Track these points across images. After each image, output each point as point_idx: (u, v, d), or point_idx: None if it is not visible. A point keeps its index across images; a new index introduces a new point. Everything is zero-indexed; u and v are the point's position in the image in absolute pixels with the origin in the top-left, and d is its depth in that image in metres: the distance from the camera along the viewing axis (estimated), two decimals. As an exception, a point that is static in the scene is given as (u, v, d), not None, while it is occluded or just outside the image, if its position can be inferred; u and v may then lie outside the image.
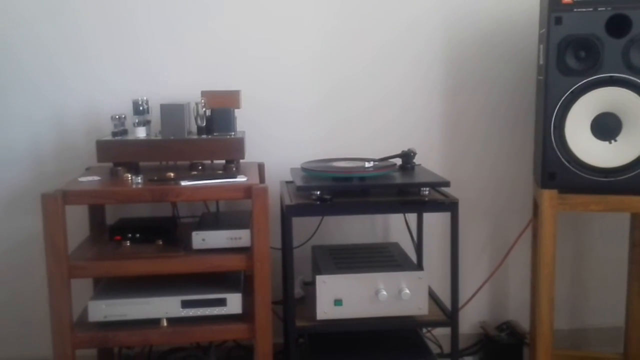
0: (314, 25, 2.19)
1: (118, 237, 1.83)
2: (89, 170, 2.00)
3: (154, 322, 1.73)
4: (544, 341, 1.97)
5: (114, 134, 1.90)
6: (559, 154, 1.87)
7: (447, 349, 2.19)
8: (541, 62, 1.93)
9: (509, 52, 2.26)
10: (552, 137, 1.87)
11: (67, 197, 1.65)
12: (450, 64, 2.25)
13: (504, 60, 2.26)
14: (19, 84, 2.10)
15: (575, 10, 1.82)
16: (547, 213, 1.91)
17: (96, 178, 1.82)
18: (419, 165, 2.08)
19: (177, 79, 2.15)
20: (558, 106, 1.85)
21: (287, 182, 2.08)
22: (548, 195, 1.91)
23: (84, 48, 2.11)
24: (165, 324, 1.73)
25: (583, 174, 1.87)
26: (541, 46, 1.93)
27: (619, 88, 1.81)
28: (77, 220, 2.02)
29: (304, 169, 1.94)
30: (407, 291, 1.79)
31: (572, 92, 1.84)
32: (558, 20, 1.83)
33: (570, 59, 1.84)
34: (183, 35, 2.14)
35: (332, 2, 2.18)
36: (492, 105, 2.28)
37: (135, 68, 2.14)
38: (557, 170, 1.88)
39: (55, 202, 1.63)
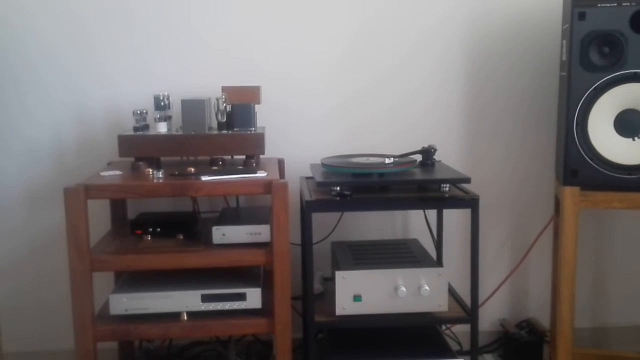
0: (337, 22, 2.18)
1: (139, 232, 1.84)
2: (110, 165, 2.02)
3: (175, 316, 1.75)
4: (564, 339, 1.95)
5: (136, 129, 1.91)
6: (581, 150, 1.85)
7: (466, 346, 2.18)
8: (564, 58, 1.91)
9: (531, 48, 2.24)
10: (575, 134, 1.85)
11: (89, 191, 1.67)
12: (472, 61, 2.23)
13: (526, 56, 2.24)
14: (40, 78, 2.13)
15: (599, 5, 1.80)
16: (569, 210, 1.89)
17: (118, 172, 1.84)
18: (439, 161, 2.07)
19: (198, 75, 2.16)
20: (581, 102, 1.83)
21: (307, 178, 2.08)
22: (570, 192, 1.89)
23: (107, 44, 2.13)
24: (185, 317, 1.75)
25: (606, 171, 1.85)
26: (564, 42, 1.91)
27: (644, 84, 1.80)
28: (99, 215, 2.04)
29: (323, 165, 1.94)
30: (427, 288, 1.78)
31: (595, 88, 1.82)
32: (582, 16, 1.81)
33: (594, 54, 1.82)
34: (205, 32, 2.15)
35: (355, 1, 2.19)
36: (513, 102, 2.27)
37: (157, 63, 2.15)
38: (579, 167, 1.87)
39: (77, 196, 1.64)
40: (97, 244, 1.82)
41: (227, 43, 2.16)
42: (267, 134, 2.12)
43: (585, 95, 1.83)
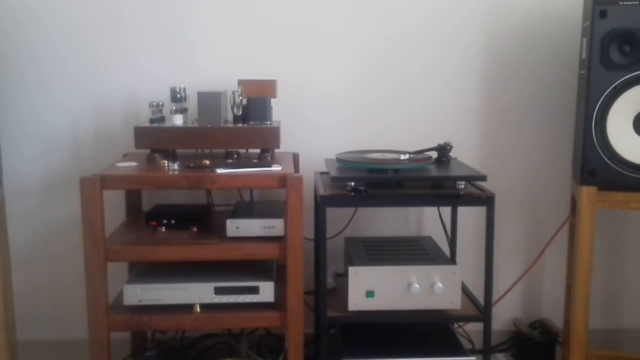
0: (355, 19, 2.18)
1: (154, 223, 1.84)
2: (126, 157, 2.03)
3: (188, 308, 1.75)
4: (578, 340, 1.94)
5: (152, 120, 1.92)
6: (599, 150, 1.84)
7: (478, 344, 2.17)
8: (584, 56, 1.89)
9: (550, 46, 2.22)
10: (593, 133, 1.83)
11: (105, 181, 1.68)
12: (491, 62, 2.22)
13: (545, 54, 2.22)
14: (58, 70, 2.14)
15: (620, 3, 1.78)
16: (586, 210, 1.88)
17: (133, 164, 1.84)
18: (455, 158, 2.06)
19: (215, 68, 2.16)
20: (600, 101, 1.82)
21: (322, 173, 2.07)
22: (587, 192, 1.87)
23: (124, 37, 2.14)
24: (198, 309, 1.75)
25: (624, 171, 1.83)
26: (584, 40, 1.89)
27: (664, 84, 1.78)
28: (114, 206, 2.05)
29: (338, 160, 1.93)
30: (440, 285, 1.77)
31: (615, 87, 1.80)
32: (603, 14, 1.79)
33: (614, 53, 1.80)
34: (222, 24, 2.15)
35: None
36: (531, 100, 2.25)
37: (173, 56, 2.15)
38: (597, 167, 1.85)
39: (93, 186, 1.65)
40: (112, 234, 1.83)
41: (247, 36, 2.16)
42: (283, 128, 2.12)
43: (605, 94, 1.81)
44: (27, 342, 2.22)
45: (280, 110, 2.17)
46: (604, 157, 1.84)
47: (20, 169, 2.17)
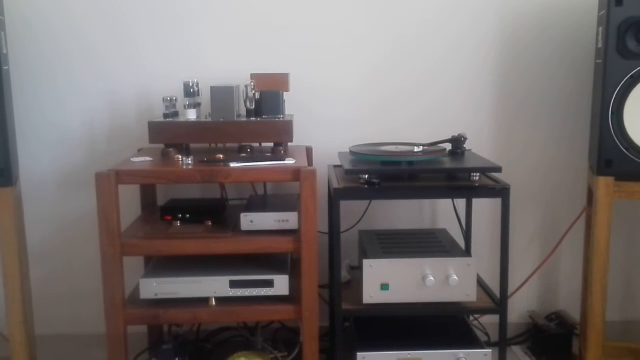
0: (370, 14, 2.17)
1: (169, 217, 1.86)
2: (141, 152, 2.04)
3: (203, 301, 1.76)
4: (595, 332, 1.92)
5: (166, 115, 1.92)
6: (616, 140, 1.82)
7: (494, 337, 2.16)
8: (600, 45, 1.87)
9: (566, 36, 2.19)
10: (610, 123, 1.81)
11: (120, 176, 1.69)
12: (506, 51, 2.20)
13: (561, 44, 2.20)
14: (72, 65, 2.15)
15: (637, -9, 1.76)
16: (603, 201, 1.86)
17: (148, 159, 1.85)
18: (470, 150, 2.04)
19: (227, 64, 2.16)
20: (617, 91, 1.79)
21: (335, 167, 2.07)
22: (604, 183, 1.85)
23: (137, 32, 2.14)
24: (214, 303, 1.76)
25: (642, 162, 1.81)
26: (600, 29, 1.87)
27: (682, 72, 1.75)
28: (130, 201, 2.06)
29: (352, 153, 1.93)
30: (455, 277, 1.76)
31: (632, 76, 1.78)
32: (619, 2, 1.77)
33: (631, 41, 1.78)
34: (234, 20, 2.15)
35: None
36: (546, 91, 2.23)
37: (186, 51, 2.16)
38: (614, 157, 1.83)
39: (108, 181, 1.66)
40: (128, 229, 1.84)
41: (259, 30, 2.16)
42: (296, 122, 2.11)
43: (622, 83, 1.79)
44: (46, 336, 2.23)
45: (294, 106, 2.17)
46: (621, 147, 1.82)
47: (37, 166, 2.19)
